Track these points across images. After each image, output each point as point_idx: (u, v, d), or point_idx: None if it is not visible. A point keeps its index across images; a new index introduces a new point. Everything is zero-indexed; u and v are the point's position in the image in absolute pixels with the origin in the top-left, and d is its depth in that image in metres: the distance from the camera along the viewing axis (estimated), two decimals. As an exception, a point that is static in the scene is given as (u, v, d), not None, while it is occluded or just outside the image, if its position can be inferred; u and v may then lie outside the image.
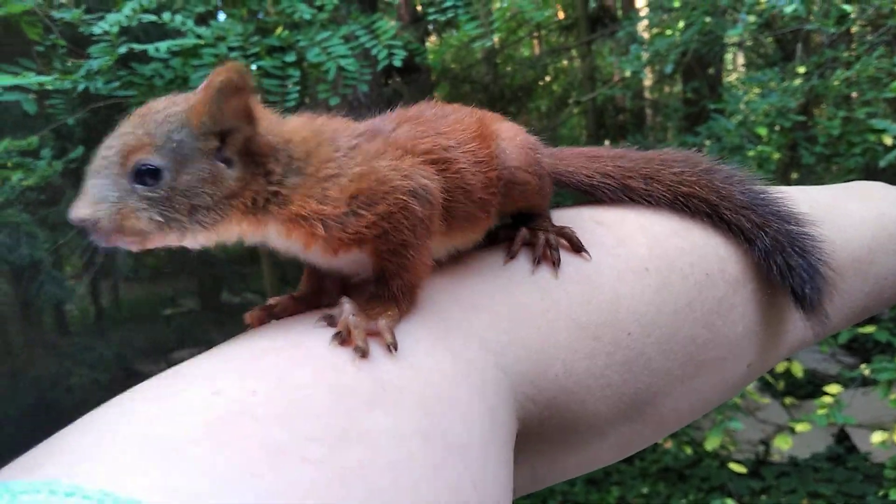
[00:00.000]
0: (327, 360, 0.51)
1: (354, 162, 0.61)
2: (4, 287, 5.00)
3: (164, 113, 0.58)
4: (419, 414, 0.50)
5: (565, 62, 9.33)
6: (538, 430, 0.63)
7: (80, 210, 0.55)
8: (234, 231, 0.60)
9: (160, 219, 0.56)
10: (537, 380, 0.62)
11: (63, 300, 5.69)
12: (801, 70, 4.39)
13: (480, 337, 0.60)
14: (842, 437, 5.06)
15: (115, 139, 0.57)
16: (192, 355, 0.53)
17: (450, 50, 8.06)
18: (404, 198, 0.60)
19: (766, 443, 5.05)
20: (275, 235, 0.61)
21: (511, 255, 0.68)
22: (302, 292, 0.67)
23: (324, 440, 0.44)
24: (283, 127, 0.62)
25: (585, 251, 0.69)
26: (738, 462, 4.26)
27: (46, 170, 3.75)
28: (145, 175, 0.56)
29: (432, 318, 0.60)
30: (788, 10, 4.27)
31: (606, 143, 8.78)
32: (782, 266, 0.73)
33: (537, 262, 0.67)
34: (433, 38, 8.37)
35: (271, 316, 0.63)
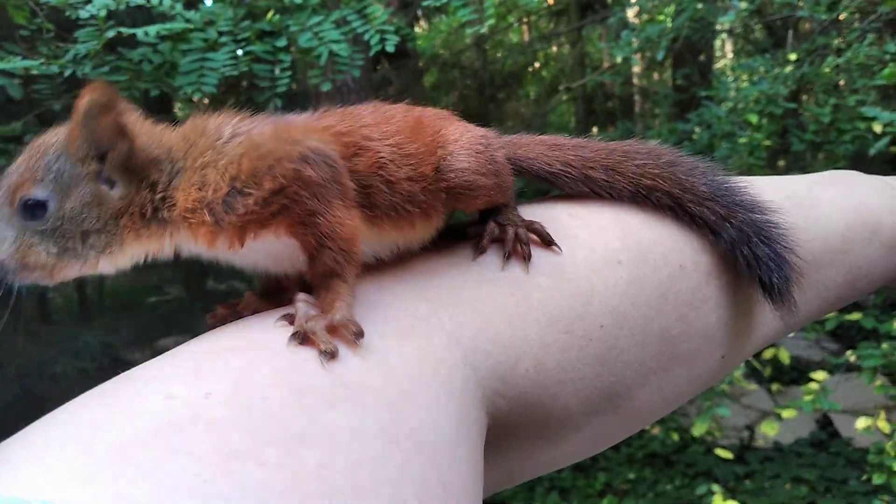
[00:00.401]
0: (287, 360, 0.50)
1: (236, 145, 0.59)
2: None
3: (44, 145, 0.58)
4: (384, 413, 0.48)
5: (554, 48, 9.30)
6: (509, 425, 0.62)
7: None
8: (138, 249, 0.60)
9: (55, 250, 0.57)
10: (507, 375, 0.61)
11: (46, 288, 5.60)
12: (793, 57, 4.40)
13: (448, 332, 0.59)
14: (825, 422, 5.13)
15: (3, 179, 0.58)
16: (177, 343, 0.53)
17: (439, 36, 8.00)
18: (293, 165, 0.58)
19: (750, 428, 5.11)
20: (180, 242, 0.61)
21: (480, 251, 0.67)
22: (262, 289, 0.67)
23: (280, 442, 0.42)
24: (166, 135, 0.62)
25: (556, 245, 0.68)
26: (723, 448, 4.31)
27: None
28: (32, 209, 0.56)
29: (398, 313, 0.59)
30: (780, -4, 4.27)
31: (595, 129, 8.78)
32: (749, 256, 0.73)
33: (507, 256, 0.66)
34: (422, 23, 8.31)
35: (235, 315, 0.62)
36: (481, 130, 0.74)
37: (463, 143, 0.70)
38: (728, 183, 0.76)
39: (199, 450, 0.40)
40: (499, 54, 8.34)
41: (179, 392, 0.45)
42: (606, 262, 0.69)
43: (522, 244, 0.67)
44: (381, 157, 0.65)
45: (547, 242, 0.68)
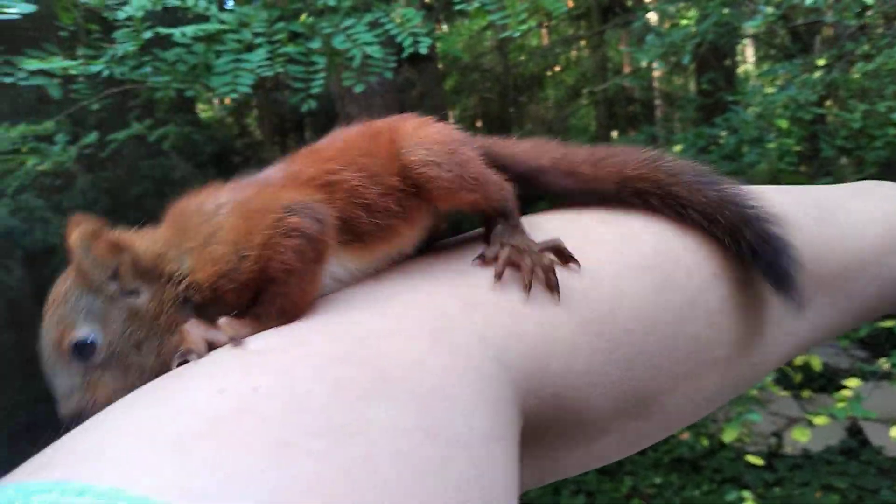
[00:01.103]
0: (327, 355, 0.51)
1: (225, 215, 0.62)
2: (18, 272, 4.99)
3: (63, 292, 0.60)
4: (420, 409, 0.49)
5: (574, 52, 9.28)
6: (540, 426, 0.62)
7: (65, 409, 0.59)
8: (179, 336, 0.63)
9: (120, 372, 0.60)
10: (538, 375, 0.61)
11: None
12: (821, 62, 4.37)
13: (479, 333, 0.59)
14: (854, 430, 5.07)
15: (45, 339, 0.60)
16: None
17: (460, 39, 8.01)
18: (276, 215, 0.60)
19: (778, 435, 5.06)
20: (214, 317, 0.62)
21: (497, 276, 0.64)
22: None
23: (326, 434, 0.43)
24: (157, 232, 0.64)
25: (574, 260, 0.66)
26: (752, 454, 4.27)
27: (61, 155, 3.75)
28: (83, 349, 0.59)
29: (430, 313, 0.59)
30: (809, 1, 4.24)
31: (615, 134, 8.75)
32: (753, 240, 0.70)
33: (528, 287, 0.63)
34: (442, 26, 8.32)
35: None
36: (442, 126, 0.72)
37: (417, 137, 0.69)
38: (741, 194, 0.73)
39: (253, 441, 0.41)
40: (522, 57, 8.34)
41: (228, 386, 0.46)
42: (636, 267, 0.68)
43: (548, 272, 0.64)
44: (353, 185, 0.66)
45: (566, 260, 0.66)
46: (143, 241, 0.64)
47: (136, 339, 0.61)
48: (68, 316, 0.60)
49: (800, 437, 3.45)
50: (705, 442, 4.43)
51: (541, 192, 0.78)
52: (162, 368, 0.61)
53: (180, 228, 0.64)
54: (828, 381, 5.16)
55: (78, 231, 0.60)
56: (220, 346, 0.55)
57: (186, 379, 0.50)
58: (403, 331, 0.56)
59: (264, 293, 0.61)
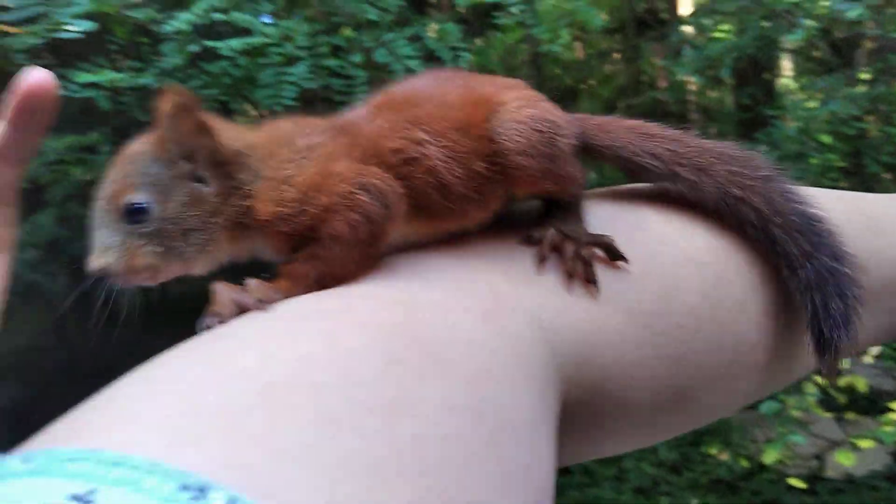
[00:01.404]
0: (377, 325, 0.49)
1: (310, 163, 0.61)
2: (63, 279, 5.11)
3: (134, 153, 0.61)
4: (469, 388, 0.48)
5: (609, 66, 9.23)
6: (577, 413, 0.61)
7: (95, 262, 0.59)
8: (228, 248, 0.63)
9: (161, 249, 0.60)
10: (583, 363, 0.60)
11: (116, 293, 5.78)
12: (865, 76, 4.29)
13: (531, 313, 0.58)
14: (899, 454, 4.91)
15: (102, 190, 0.61)
16: None
17: (495, 52, 8.04)
18: (350, 187, 0.59)
19: (820, 457, 4.92)
20: (256, 245, 0.64)
21: (540, 260, 0.63)
22: None
23: (376, 411, 0.42)
24: (246, 135, 0.64)
25: (623, 259, 0.64)
26: (793, 476, 4.16)
27: (105, 165, 3.83)
28: (135, 213, 0.59)
29: (481, 289, 0.58)
30: (852, 14, 4.16)
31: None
32: (818, 305, 0.66)
33: (570, 276, 0.62)
34: (477, 40, 8.35)
35: None
36: (549, 109, 0.68)
37: (519, 116, 0.65)
38: (819, 221, 0.69)
39: (301, 414, 0.40)
40: (556, 71, 8.32)
41: (276, 352, 0.44)
42: (691, 260, 0.67)
43: (586, 265, 0.62)
44: (435, 164, 0.64)
45: (614, 257, 0.64)
46: (231, 135, 0.63)
47: (188, 225, 0.60)
48: (133, 176, 0.60)
49: (844, 461, 3.37)
50: (745, 463, 4.33)
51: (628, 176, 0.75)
52: (192, 268, 0.62)
53: (269, 148, 0.63)
54: (871, 404, 5.01)
55: (171, 100, 0.59)
56: (250, 310, 0.53)
57: (231, 340, 0.48)
58: (454, 307, 0.54)
59: (305, 253, 0.60)
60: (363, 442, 0.40)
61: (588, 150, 0.72)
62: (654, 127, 0.75)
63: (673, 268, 0.66)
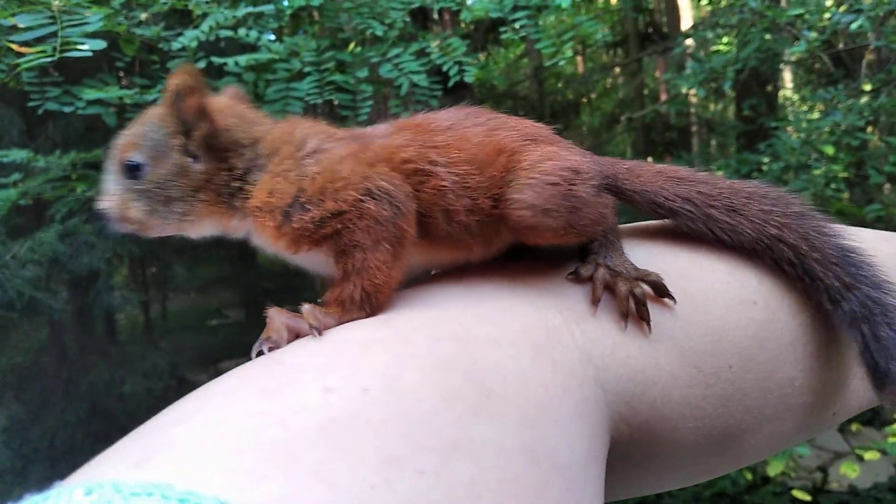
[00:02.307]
0: (433, 359, 0.49)
1: (314, 162, 0.63)
2: (63, 294, 5.10)
3: (149, 115, 0.66)
4: (523, 428, 0.47)
5: (609, 80, 9.28)
6: (624, 452, 0.61)
7: (100, 202, 0.66)
8: (212, 223, 0.67)
9: (145, 208, 0.64)
10: (634, 401, 0.59)
11: (116, 309, 5.79)
12: (867, 87, 4.30)
13: (581, 348, 0.58)
14: (905, 466, 4.87)
15: (117, 141, 0.66)
16: (238, 365, 0.52)
17: (497, 67, 8.08)
18: (356, 194, 0.61)
19: (824, 469, 4.89)
20: (247, 230, 0.66)
21: (594, 301, 0.62)
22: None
23: (436, 451, 0.42)
24: (257, 126, 0.67)
25: (671, 297, 0.63)
26: (797, 489, 4.13)
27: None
28: (131, 170, 0.64)
29: (534, 322, 0.58)
30: (854, 26, 4.19)
31: (650, 159, 8.68)
32: (868, 336, 0.65)
33: (625, 317, 0.62)
34: (479, 55, 8.40)
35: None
36: (575, 158, 0.67)
37: (535, 172, 0.64)
38: (855, 253, 0.69)
39: (363, 452, 0.39)
40: (560, 84, 8.37)
41: (337, 385, 0.44)
42: (741, 300, 0.66)
43: (640, 304, 0.61)
44: (443, 186, 0.65)
45: (661, 294, 0.63)
46: (237, 122, 0.66)
47: (170, 194, 0.64)
48: (139, 136, 0.65)
49: (848, 472, 3.34)
50: (749, 475, 4.29)
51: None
52: (177, 231, 0.66)
53: (276, 144, 0.66)
54: (874, 414, 4.99)
55: (178, 80, 0.63)
56: (304, 335, 0.54)
57: (290, 370, 0.47)
58: (506, 340, 0.54)
59: (339, 275, 0.61)
60: (423, 483, 0.39)
61: (618, 195, 0.71)
62: (683, 170, 0.74)
63: (724, 309, 0.65)
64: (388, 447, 0.40)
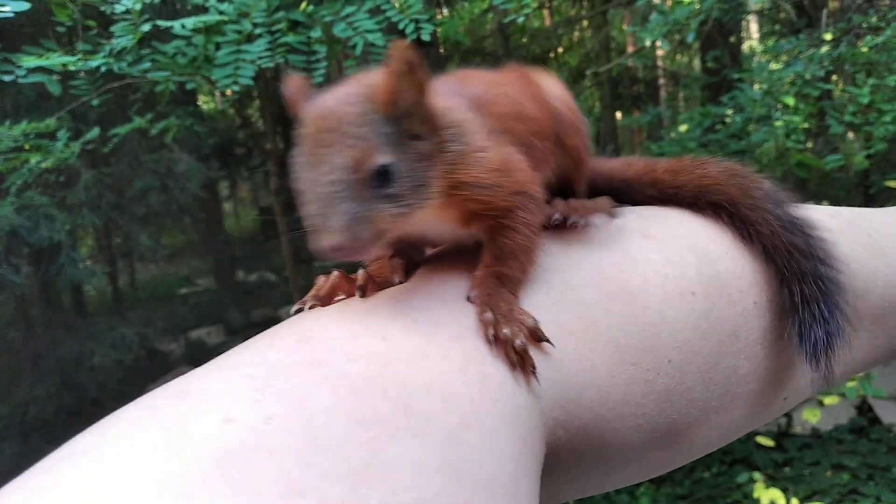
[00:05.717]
0: (346, 381, 0.47)
1: (489, 141, 0.63)
2: (25, 269, 5.00)
3: (355, 114, 0.56)
4: (446, 444, 0.46)
5: (577, 33, 9.18)
6: (564, 456, 0.59)
7: (327, 239, 0.54)
8: (432, 206, 0.61)
9: (396, 210, 0.56)
10: (570, 405, 0.57)
11: (81, 281, 5.70)
12: (828, 37, 4.31)
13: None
14: (864, 409, 5.05)
15: (326, 159, 0.55)
16: (209, 334, 0.50)
17: (461, 23, 7.94)
18: (531, 175, 0.64)
19: (787, 415, 5.05)
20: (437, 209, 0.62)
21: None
22: (397, 248, 0.67)
23: (343, 479, 0.40)
24: (437, 97, 0.62)
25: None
26: (762, 435, 4.26)
27: (63, 151, 3.73)
28: (381, 176, 0.55)
29: (463, 333, 0.55)
30: (815, -26, 4.17)
31: (619, 115, 8.68)
32: (808, 308, 0.67)
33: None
34: (442, 10, 8.24)
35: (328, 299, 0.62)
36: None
37: (556, 84, 0.76)
38: (806, 224, 0.70)
39: (261, 485, 0.38)
40: (524, 40, 8.26)
41: (239, 415, 0.42)
42: (680, 292, 0.64)
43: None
44: (530, 114, 0.71)
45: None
46: (433, 95, 0.61)
47: (416, 181, 0.57)
48: (367, 139, 0.55)
49: (810, 417, 3.44)
50: (715, 423, 4.41)
51: (630, 204, 0.77)
52: (406, 227, 0.60)
53: (457, 111, 0.63)
54: (837, 359, 5.13)
55: (403, 57, 0.55)
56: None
57: (193, 399, 0.45)
58: (432, 353, 0.51)
59: (505, 256, 0.61)
60: None
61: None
62: (632, 158, 0.84)
63: (662, 302, 0.64)
64: (290, 478, 0.39)
